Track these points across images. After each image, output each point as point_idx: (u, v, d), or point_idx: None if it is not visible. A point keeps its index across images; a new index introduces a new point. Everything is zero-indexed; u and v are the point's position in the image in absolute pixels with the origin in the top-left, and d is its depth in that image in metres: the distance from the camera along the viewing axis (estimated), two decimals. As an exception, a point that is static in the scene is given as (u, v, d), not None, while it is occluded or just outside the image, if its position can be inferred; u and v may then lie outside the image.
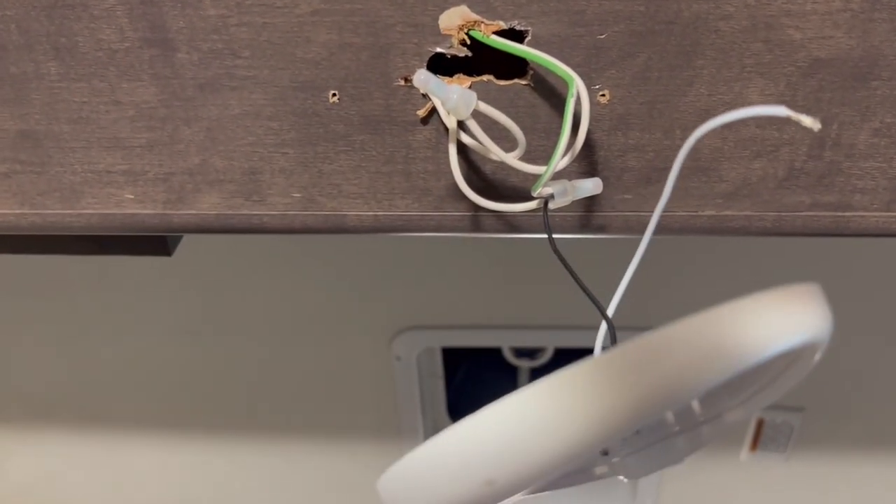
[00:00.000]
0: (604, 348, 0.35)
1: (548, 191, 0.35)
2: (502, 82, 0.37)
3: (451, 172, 0.40)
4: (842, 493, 1.22)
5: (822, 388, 1.13)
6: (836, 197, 0.40)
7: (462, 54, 0.37)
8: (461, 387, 1.41)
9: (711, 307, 0.23)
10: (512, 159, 0.33)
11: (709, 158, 0.39)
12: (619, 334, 1.15)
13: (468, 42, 0.36)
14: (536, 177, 0.37)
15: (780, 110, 0.25)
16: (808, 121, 0.25)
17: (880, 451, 1.15)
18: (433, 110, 0.38)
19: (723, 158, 0.39)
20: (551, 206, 0.35)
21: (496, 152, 0.33)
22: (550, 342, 1.23)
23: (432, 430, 1.34)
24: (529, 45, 0.36)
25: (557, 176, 0.38)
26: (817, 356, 0.26)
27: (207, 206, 0.42)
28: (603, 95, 0.37)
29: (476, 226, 0.42)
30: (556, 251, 0.35)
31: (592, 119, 0.38)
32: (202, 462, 1.28)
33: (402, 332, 1.14)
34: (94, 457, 1.28)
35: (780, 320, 0.22)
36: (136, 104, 0.39)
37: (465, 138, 0.37)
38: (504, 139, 0.38)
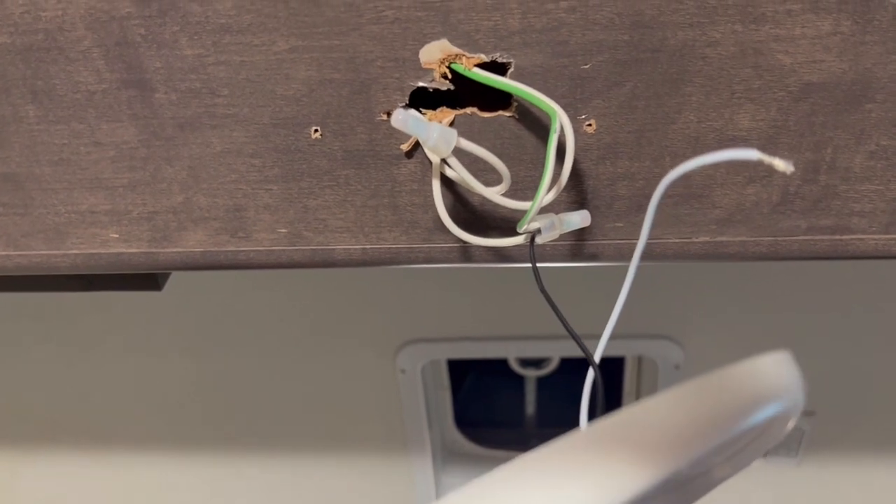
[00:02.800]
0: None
1: (535, 226, 0.34)
2: (486, 114, 0.37)
3: (436, 205, 0.39)
4: (853, 497, 1.21)
5: (833, 393, 1.11)
6: (833, 220, 0.39)
7: (444, 88, 0.36)
8: (468, 397, 1.41)
9: (689, 379, 0.22)
10: (495, 195, 0.33)
11: (701, 185, 0.38)
12: (618, 343, 1.14)
13: (450, 76, 0.35)
14: (523, 210, 0.36)
15: (752, 154, 0.24)
16: (780, 164, 0.24)
17: (892, 454, 1.14)
18: (417, 144, 0.38)
19: (715, 185, 0.38)
20: (538, 240, 0.34)
21: (479, 189, 0.32)
22: (556, 352, 1.22)
23: (440, 442, 1.33)
24: (512, 77, 0.35)
25: (545, 209, 0.37)
26: (791, 424, 0.25)
27: (193, 243, 0.42)
28: (589, 125, 0.37)
29: (465, 257, 0.41)
30: (542, 290, 0.34)
31: (579, 149, 0.37)
32: (208, 480, 1.28)
33: (405, 345, 1.13)
34: (101, 477, 1.28)
35: (757, 392, 0.21)
36: (116, 144, 0.39)
37: (450, 172, 0.36)
38: (490, 171, 0.37)
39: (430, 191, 0.39)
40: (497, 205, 0.39)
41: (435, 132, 0.31)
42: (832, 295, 0.99)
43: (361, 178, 0.39)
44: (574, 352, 1.16)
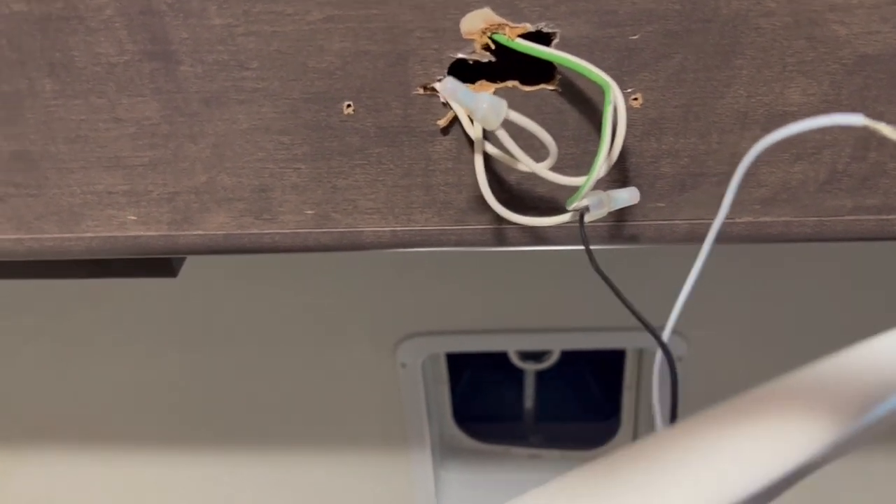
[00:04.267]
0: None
1: (583, 203, 0.32)
2: (528, 88, 0.35)
3: (473, 184, 0.38)
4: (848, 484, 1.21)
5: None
6: (879, 199, 0.38)
7: (485, 59, 0.34)
8: (466, 392, 1.39)
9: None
10: (544, 170, 0.31)
11: (746, 163, 0.37)
12: (620, 335, 1.13)
13: (492, 46, 0.34)
14: (566, 187, 0.35)
15: (857, 119, 0.23)
16: (887, 130, 0.23)
17: (877, 448, 1.14)
18: (454, 119, 0.36)
19: (761, 162, 0.37)
20: (587, 218, 0.33)
21: (528, 163, 0.31)
22: (557, 345, 1.21)
23: (438, 437, 1.32)
24: (557, 48, 0.34)
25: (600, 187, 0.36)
26: None
27: (215, 225, 0.40)
28: (635, 99, 0.35)
29: (500, 239, 0.40)
30: (597, 269, 0.32)
31: (626, 125, 0.36)
32: (206, 477, 1.25)
33: (406, 339, 1.12)
34: (97, 475, 1.25)
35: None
36: (137, 121, 0.37)
37: (490, 148, 0.35)
38: (530, 148, 0.36)
39: (465, 170, 0.38)
40: (535, 184, 0.38)
41: (485, 103, 0.29)
42: (838, 285, 0.99)
43: (394, 157, 0.38)
44: (574, 344, 1.15)
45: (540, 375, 1.36)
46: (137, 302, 1.05)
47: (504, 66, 0.35)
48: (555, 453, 1.36)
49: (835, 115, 0.23)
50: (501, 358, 1.34)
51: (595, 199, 0.33)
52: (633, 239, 0.40)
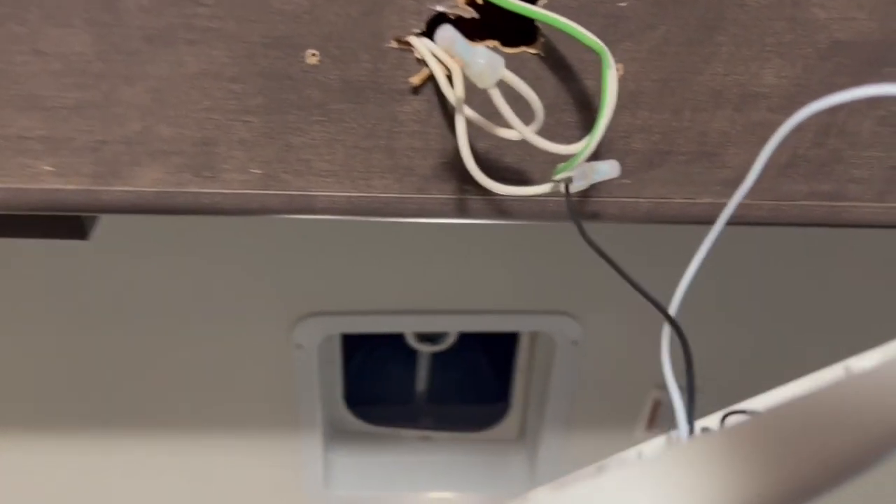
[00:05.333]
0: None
1: (567, 174, 0.31)
2: (508, 50, 0.33)
3: (440, 150, 0.36)
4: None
5: (717, 372, 1.17)
6: (832, 186, 0.39)
7: (468, 15, 0.32)
8: (358, 374, 1.36)
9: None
10: (533, 136, 0.30)
11: (715, 143, 0.37)
12: (515, 318, 1.13)
13: (477, 1, 0.32)
14: (535, 158, 0.33)
15: None
16: None
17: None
18: (428, 78, 0.34)
19: (729, 143, 0.37)
20: (570, 190, 0.31)
21: (518, 127, 0.29)
22: (455, 327, 1.21)
23: (329, 420, 1.29)
24: (545, 9, 0.32)
25: (564, 159, 0.34)
26: None
27: (147, 181, 0.35)
28: (616, 69, 0.34)
29: (461, 210, 0.38)
30: (590, 242, 0.31)
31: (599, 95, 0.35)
32: (87, 458, 1.16)
33: (303, 319, 1.08)
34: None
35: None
36: (64, 56, 0.32)
37: (468, 111, 0.33)
38: (495, 115, 0.34)
39: (433, 134, 0.35)
40: (504, 153, 0.36)
41: (482, 58, 0.27)
42: (725, 271, 1.04)
43: (357, 115, 0.35)
44: (473, 327, 1.15)
45: (433, 358, 1.35)
46: (17, 275, 0.95)
47: (484, 25, 0.33)
48: (444, 435, 1.36)
49: (887, 86, 0.23)
50: (395, 339, 1.32)
51: (579, 171, 0.32)
52: (594, 216, 0.39)
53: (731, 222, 0.39)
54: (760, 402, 0.24)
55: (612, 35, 0.33)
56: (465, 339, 1.30)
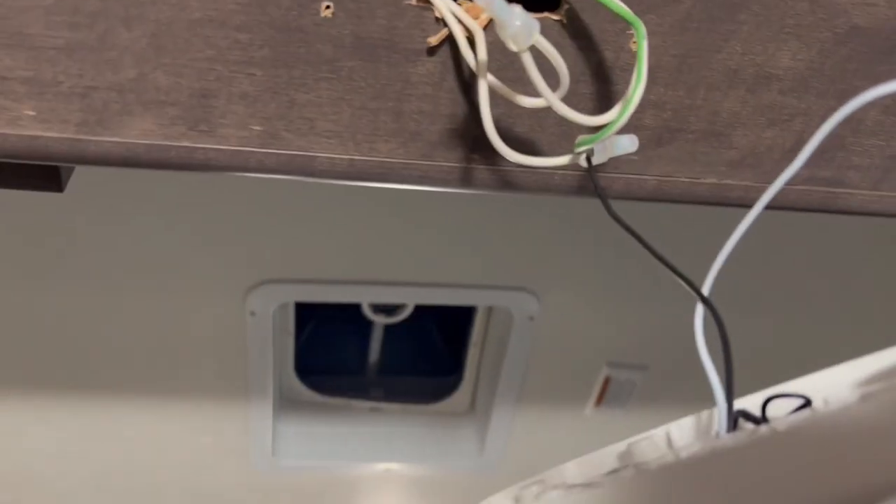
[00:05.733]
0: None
1: (589, 146, 0.30)
2: (532, 15, 0.32)
3: (449, 115, 0.34)
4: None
5: (666, 350, 1.19)
6: (831, 172, 0.39)
7: (493, -25, 0.31)
8: (309, 343, 1.35)
9: None
10: (561, 105, 0.29)
11: (725, 123, 0.37)
12: (473, 292, 1.12)
13: (504, -39, 0.30)
14: (547, 128, 0.32)
15: None
16: None
17: (709, 406, 1.25)
18: (446, 39, 0.32)
19: (738, 124, 0.37)
20: (592, 162, 0.31)
21: (546, 95, 0.28)
22: (412, 299, 1.20)
23: (280, 390, 1.27)
24: (573, -26, 0.31)
25: (584, 130, 0.33)
26: None
27: (137, 132, 0.33)
28: (635, 42, 0.33)
29: (466, 180, 0.37)
30: (614, 216, 0.30)
31: (619, 68, 0.34)
32: (30, 423, 1.12)
33: (258, 286, 1.05)
34: None
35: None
36: (56, -10, 0.29)
37: (490, 78, 0.32)
38: (520, 81, 0.33)
39: (444, 98, 0.34)
40: (515, 122, 0.35)
41: (518, 19, 0.26)
42: (681, 250, 1.05)
43: (368, 73, 0.33)
44: (430, 299, 1.15)
45: (387, 329, 1.34)
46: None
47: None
48: (395, 407, 1.36)
49: None
50: (349, 309, 1.31)
51: (599, 144, 0.31)
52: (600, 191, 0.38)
53: (731, 203, 0.39)
54: (803, 384, 0.24)
55: (638, 6, 0.32)
56: (418, 311, 1.29)
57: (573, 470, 0.25)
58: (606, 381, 1.24)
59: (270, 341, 1.10)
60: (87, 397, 1.10)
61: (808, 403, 0.23)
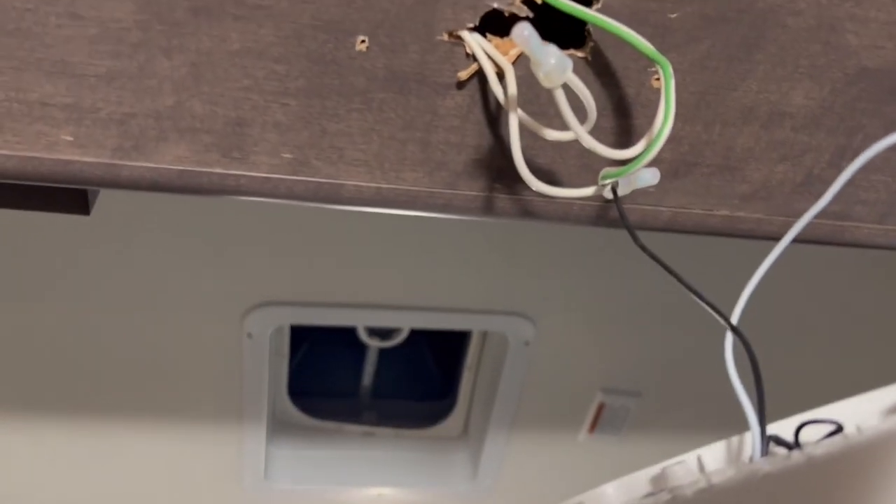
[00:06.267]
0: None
1: (615, 179, 0.31)
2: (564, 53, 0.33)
3: (475, 146, 0.36)
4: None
5: (660, 377, 1.20)
6: (839, 206, 0.40)
7: (523, 14, 0.32)
8: (303, 366, 1.34)
9: None
10: (590, 138, 0.30)
11: (739, 158, 0.38)
12: (469, 317, 1.13)
13: (532, 0, 0.32)
14: (567, 161, 0.34)
15: None
16: None
17: (703, 434, 1.26)
18: (477, 73, 0.33)
19: (752, 158, 0.38)
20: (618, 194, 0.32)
21: (576, 129, 0.29)
22: (408, 323, 1.20)
23: (273, 413, 1.26)
24: (601, 13, 0.32)
25: (605, 163, 0.35)
26: None
27: (171, 158, 0.34)
28: (657, 79, 0.35)
29: (488, 208, 0.38)
30: (642, 247, 0.31)
31: (640, 104, 0.35)
32: (25, 444, 1.11)
33: (256, 308, 1.05)
34: None
35: None
36: (102, 21, 0.30)
37: (520, 112, 0.33)
38: (544, 115, 0.34)
39: (470, 129, 0.35)
40: (537, 153, 0.36)
41: (553, 57, 0.27)
42: (672, 281, 1.06)
43: (398, 105, 0.34)
44: (426, 323, 1.15)
45: (382, 353, 1.34)
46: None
47: (535, 24, 0.33)
48: (388, 431, 1.36)
49: None
50: (343, 333, 1.31)
51: (625, 177, 0.32)
52: (615, 222, 0.39)
53: (740, 235, 0.40)
54: (834, 410, 0.25)
55: (659, 45, 0.34)
56: (413, 334, 1.30)
57: (611, 493, 0.26)
58: (600, 408, 1.25)
59: (266, 364, 1.10)
60: (80, 419, 1.10)
61: (839, 429, 0.24)
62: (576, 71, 0.34)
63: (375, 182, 0.36)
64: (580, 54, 0.34)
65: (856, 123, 0.37)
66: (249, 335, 1.06)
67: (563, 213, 0.38)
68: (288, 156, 0.35)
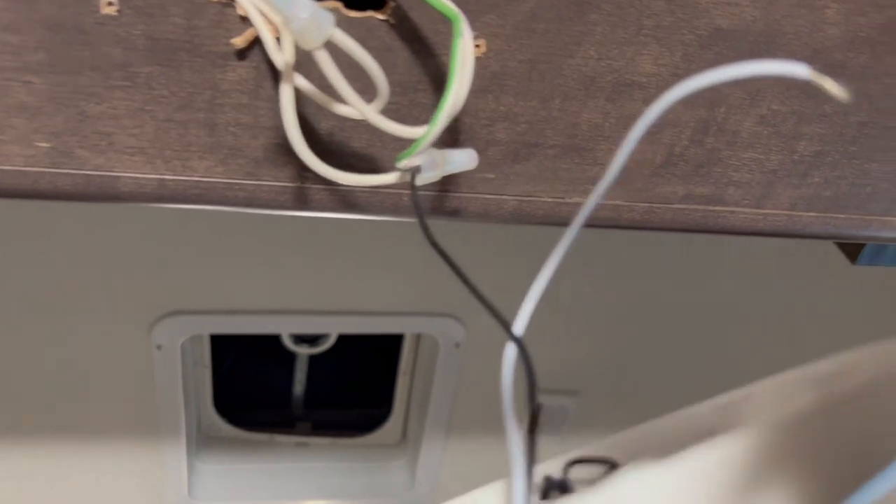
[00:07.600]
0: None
1: (414, 162, 0.26)
2: (353, 13, 0.28)
3: (273, 128, 0.30)
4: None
5: (597, 375, 1.16)
6: (710, 189, 0.36)
7: (302, -32, 0.27)
8: (230, 377, 1.28)
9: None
10: (374, 114, 0.25)
11: (586, 136, 0.33)
12: (400, 320, 1.08)
13: (312, -48, 0.26)
14: (388, 144, 0.29)
15: (802, 70, 0.19)
16: (833, 87, 0.19)
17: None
18: (255, 41, 0.28)
19: (601, 137, 0.33)
20: (418, 181, 0.27)
21: (354, 102, 0.24)
22: (334, 328, 1.15)
23: (196, 425, 1.20)
24: (394, -34, 0.27)
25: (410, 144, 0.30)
26: None
27: None
28: (477, 46, 0.30)
29: (301, 201, 0.32)
30: (433, 243, 0.26)
31: (461, 74, 0.30)
32: None
33: (164, 318, 0.99)
34: None
35: None
36: None
37: (301, 81, 0.27)
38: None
39: (263, 109, 0.30)
40: (351, 135, 0.31)
41: (305, 11, 0.22)
42: (607, 278, 1.02)
43: (170, 81, 0.29)
44: (353, 328, 1.10)
45: (312, 360, 1.29)
46: None
47: (324, -18, 0.28)
48: (323, 441, 1.30)
49: (777, 63, 0.19)
50: (271, 341, 1.25)
51: (428, 159, 0.27)
52: (454, 213, 0.34)
53: (600, 225, 0.36)
54: (604, 445, 0.21)
55: (474, 4, 0.29)
56: (345, 339, 1.24)
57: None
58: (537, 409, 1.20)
59: (180, 375, 1.04)
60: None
61: (613, 466, 0.19)
62: (380, 37, 0.29)
63: (157, 173, 0.31)
64: (380, 17, 0.29)
65: (717, 93, 0.33)
66: (159, 347, 1.00)
67: (393, 206, 0.33)
68: (44, 145, 0.29)
